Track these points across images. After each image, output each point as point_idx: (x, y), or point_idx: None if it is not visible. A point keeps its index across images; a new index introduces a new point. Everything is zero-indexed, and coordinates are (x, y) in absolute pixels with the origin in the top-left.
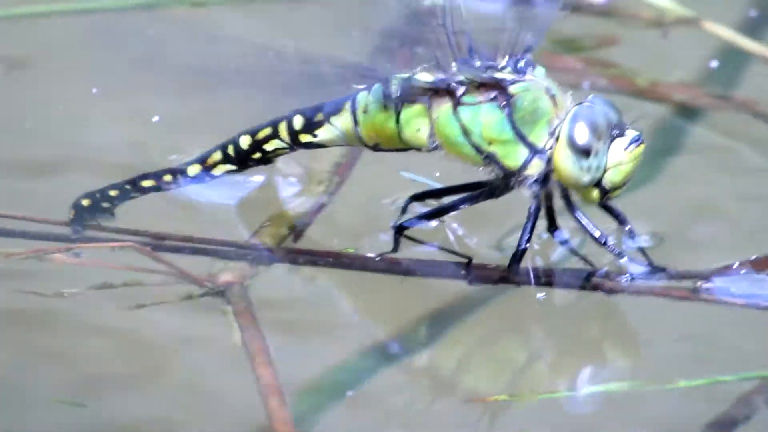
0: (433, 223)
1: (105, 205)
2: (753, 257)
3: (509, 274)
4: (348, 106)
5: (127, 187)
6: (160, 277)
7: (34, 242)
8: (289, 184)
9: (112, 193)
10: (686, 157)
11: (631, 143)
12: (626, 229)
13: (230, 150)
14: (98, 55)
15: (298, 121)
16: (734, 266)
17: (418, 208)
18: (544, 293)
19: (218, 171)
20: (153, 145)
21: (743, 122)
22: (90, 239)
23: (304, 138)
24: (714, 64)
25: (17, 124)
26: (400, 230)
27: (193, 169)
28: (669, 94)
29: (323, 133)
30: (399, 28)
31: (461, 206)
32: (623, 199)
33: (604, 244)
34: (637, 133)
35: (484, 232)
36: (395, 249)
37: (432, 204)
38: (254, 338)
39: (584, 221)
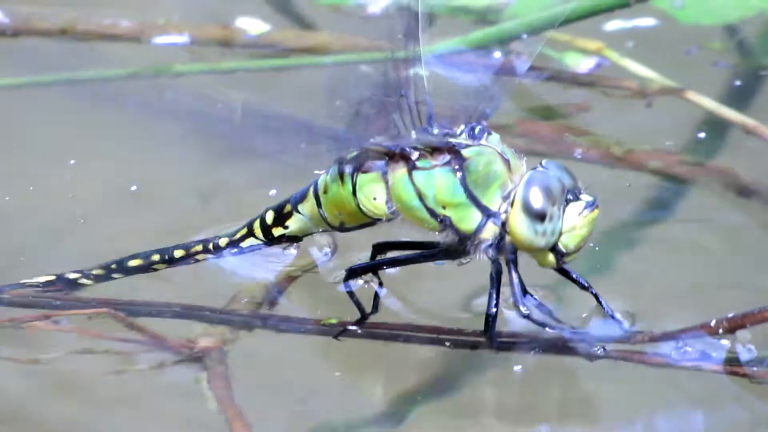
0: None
1: (87, 282)
2: (726, 317)
3: (484, 340)
4: (311, 191)
5: (113, 266)
6: (139, 344)
7: (11, 310)
8: (323, 255)
9: (97, 272)
10: (667, 228)
11: (585, 207)
12: (592, 293)
13: (210, 246)
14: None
15: (269, 217)
16: (706, 326)
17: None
18: (520, 366)
19: (200, 257)
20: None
21: (725, 193)
22: (67, 306)
23: (277, 231)
24: (702, 134)
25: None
26: (350, 273)
27: (178, 253)
28: (644, 162)
29: (293, 223)
30: (373, 96)
31: (416, 263)
32: (602, 274)
33: (526, 316)
34: (591, 197)
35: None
36: (375, 309)
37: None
38: (230, 405)
39: (516, 291)
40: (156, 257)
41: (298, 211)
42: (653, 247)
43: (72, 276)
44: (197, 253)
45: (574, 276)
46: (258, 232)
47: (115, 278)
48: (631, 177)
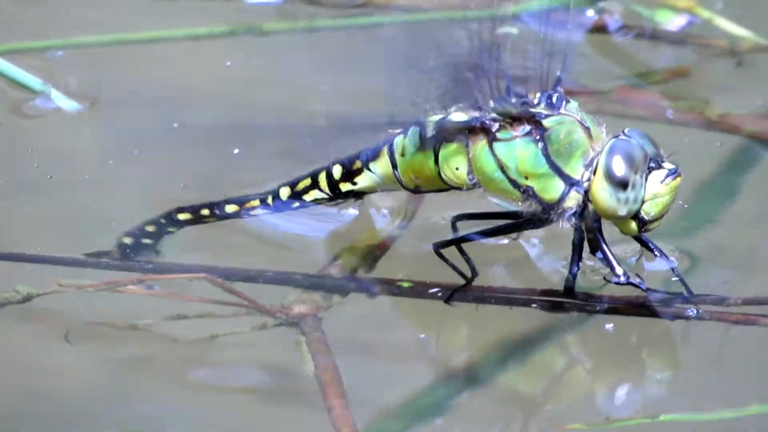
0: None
1: (146, 241)
2: None
3: (564, 301)
4: (385, 150)
5: (163, 221)
6: (233, 309)
7: (108, 273)
8: (382, 217)
9: (150, 228)
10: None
11: (668, 176)
12: (665, 260)
13: (269, 200)
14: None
15: (337, 171)
16: None
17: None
18: (612, 324)
19: (256, 212)
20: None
21: None
22: (163, 271)
23: (344, 187)
24: None
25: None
26: (437, 248)
27: (231, 208)
28: (740, 126)
29: (362, 180)
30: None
31: (501, 234)
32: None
33: (626, 280)
34: (674, 165)
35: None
36: (473, 270)
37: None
38: (327, 369)
39: (610, 257)
40: (205, 212)
41: (369, 169)
42: (742, 213)
43: (127, 240)
44: (253, 207)
45: (651, 245)
46: (323, 185)
47: (171, 232)
48: (724, 140)
